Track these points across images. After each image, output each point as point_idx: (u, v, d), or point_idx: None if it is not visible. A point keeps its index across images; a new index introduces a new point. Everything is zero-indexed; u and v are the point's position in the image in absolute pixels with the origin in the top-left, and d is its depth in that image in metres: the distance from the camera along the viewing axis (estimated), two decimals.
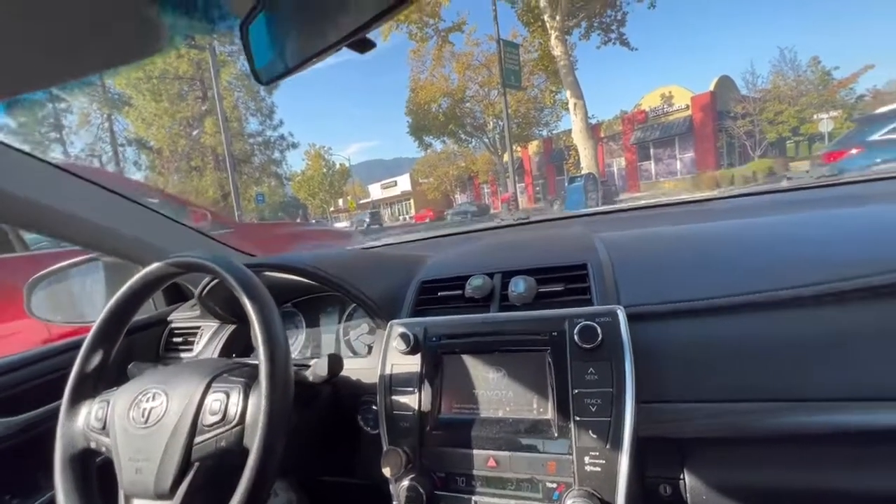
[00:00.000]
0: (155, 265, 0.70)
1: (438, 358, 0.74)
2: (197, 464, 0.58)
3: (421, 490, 0.66)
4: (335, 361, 0.71)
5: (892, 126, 5.57)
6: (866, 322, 0.60)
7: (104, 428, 0.64)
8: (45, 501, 0.86)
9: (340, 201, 36.26)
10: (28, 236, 2.70)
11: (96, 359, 0.70)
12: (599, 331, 0.63)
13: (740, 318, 0.65)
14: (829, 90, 19.67)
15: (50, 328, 1.79)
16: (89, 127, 22.19)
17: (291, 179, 29.67)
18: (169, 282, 0.73)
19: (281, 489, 1.25)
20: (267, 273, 0.87)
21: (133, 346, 1.10)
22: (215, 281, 0.91)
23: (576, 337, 0.64)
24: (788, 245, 0.76)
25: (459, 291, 0.82)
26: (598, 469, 0.59)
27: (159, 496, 0.58)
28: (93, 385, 0.70)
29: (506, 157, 18.37)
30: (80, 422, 0.67)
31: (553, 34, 13.63)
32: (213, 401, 0.60)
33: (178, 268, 0.69)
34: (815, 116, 18.04)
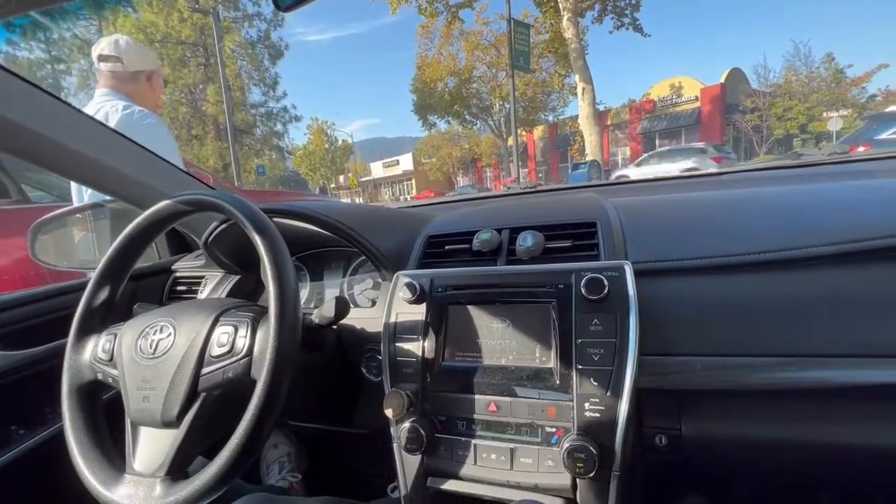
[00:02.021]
0: (164, 202, 0.69)
1: (443, 308, 0.74)
2: (204, 394, 0.59)
3: (422, 432, 0.68)
4: (342, 304, 0.71)
5: None
6: (867, 282, 0.61)
7: (111, 360, 0.65)
8: (52, 432, 0.87)
9: (342, 178, 35.96)
10: (32, 193, 2.68)
11: (103, 294, 0.71)
12: (606, 283, 0.63)
13: (744, 276, 0.66)
14: (841, 88, 19.40)
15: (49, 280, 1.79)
16: (89, 90, 21.81)
17: (293, 153, 29.36)
18: (177, 221, 0.72)
19: (281, 441, 1.28)
20: (276, 220, 0.87)
21: (137, 292, 1.10)
22: (222, 226, 0.91)
23: (582, 289, 0.64)
24: (795, 210, 0.76)
25: (467, 245, 0.82)
26: (598, 415, 0.61)
27: (166, 424, 0.59)
28: (100, 320, 0.70)
29: (510, 141, 18.20)
30: (87, 354, 0.67)
31: (565, 15, 13.31)
32: (221, 333, 0.61)
33: (187, 205, 0.69)
34: (824, 114, 17.83)
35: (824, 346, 0.59)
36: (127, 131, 1.65)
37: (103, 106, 1.62)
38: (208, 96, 19.74)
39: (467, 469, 0.67)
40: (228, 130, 15.34)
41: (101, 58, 1.68)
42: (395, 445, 0.73)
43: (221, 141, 20.19)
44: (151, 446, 0.60)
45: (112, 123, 1.60)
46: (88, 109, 1.67)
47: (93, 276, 0.71)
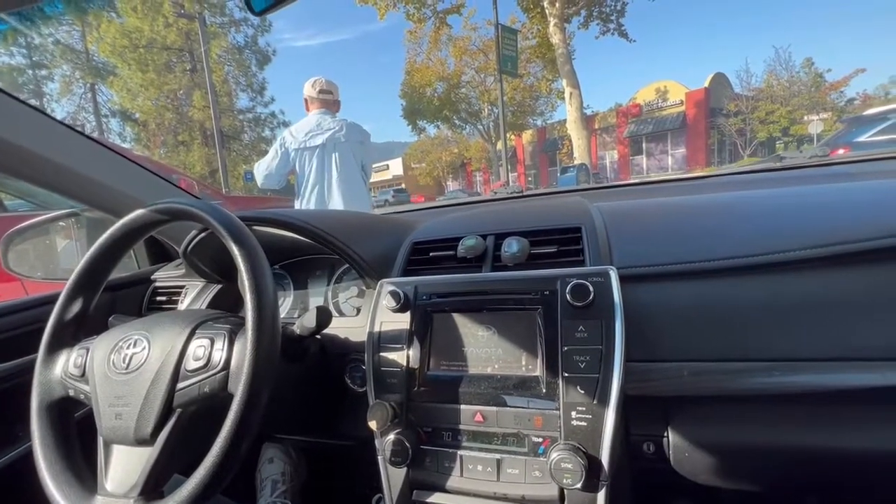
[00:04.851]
0: (139, 212, 0.67)
1: (428, 316, 0.73)
2: (179, 410, 0.57)
3: (406, 444, 0.66)
4: (323, 313, 0.69)
5: (879, 128, 5.67)
6: (849, 285, 0.61)
7: (83, 375, 0.63)
8: (22, 452, 0.84)
9: None
10: (9, 201, 2.61)
11: (76, 307, 0.68)
12: (591, 289, 0.63)
13: (729, 280, 0.66)
14: (821, 92, 19.86)
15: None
16: (71, 96, 21.44)
17: None
18: (153, 230, 0.70)
19: (278, 456, 1.24)
20: (257, 228, 0.85)
21: (115, 303, 1.07)
22: (201, 235, 0.89)
23: (567, 295, 0.64)
24: (778, 213, 0.77)
25: (451, 252, 0.81)
26: (585, 424, 0.60)
27: (140, 442, 0.57)
28: (72, 333, 0.68)
29: (499, 145, 18.29)
30: (58, 370, 0.65)
31: (552, 21, 13.47)
32: (197, 347, 0.59)
33: (163, 214, 0.67)
34: (805, 118, 18.24)
35: (810, 350, 0.59)
36: (360, 133, 2.63)
37: (332, 119, 2.52)
38: (195, 102, 19.53)
39: (453, 481, 0.66)
40: (215, 136, 15.20)
41: (322, 91, 2.52)
42: (379, 458, 0.71)
43: (208, 147, 19.97)
44: (125, 465, 0.58)
45: (346, 130, 2.51)
46: (324, 122, 2.51)
47: (65, 287, 0.68)
